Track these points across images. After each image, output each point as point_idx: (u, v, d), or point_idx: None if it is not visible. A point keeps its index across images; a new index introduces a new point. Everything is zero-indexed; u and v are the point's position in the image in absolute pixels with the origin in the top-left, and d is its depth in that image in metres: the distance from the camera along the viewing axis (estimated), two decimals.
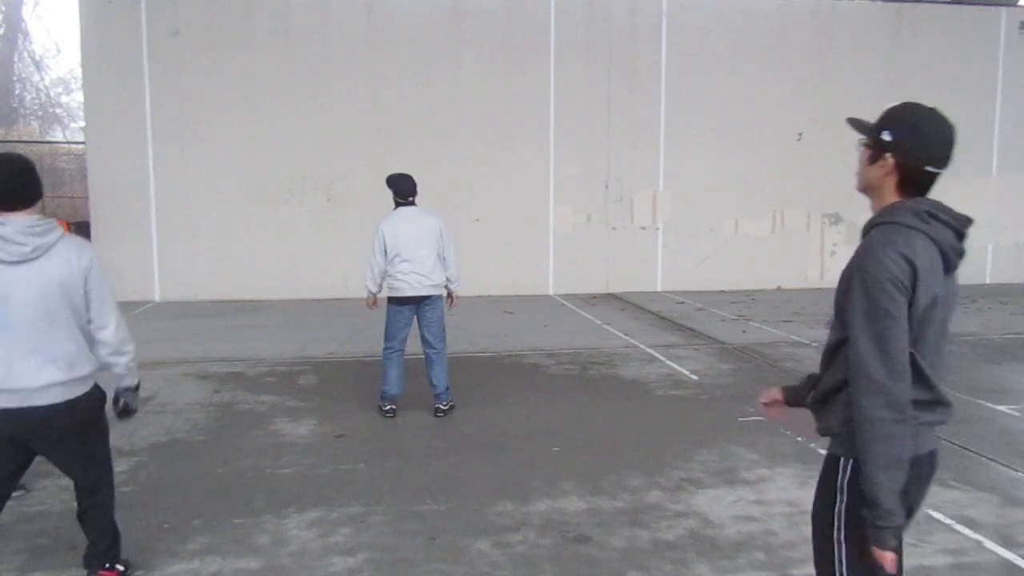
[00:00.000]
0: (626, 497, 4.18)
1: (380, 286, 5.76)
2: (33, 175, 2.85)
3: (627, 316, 10.62)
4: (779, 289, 13.47)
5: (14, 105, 29.98)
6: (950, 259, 1.86)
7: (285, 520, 3.87)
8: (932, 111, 1.89)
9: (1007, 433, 5.35)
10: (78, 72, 21.56)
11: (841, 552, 1.95)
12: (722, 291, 13.08)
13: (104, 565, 3.17)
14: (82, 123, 16.93)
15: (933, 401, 1.90)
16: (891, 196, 1.91)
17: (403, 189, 5.67)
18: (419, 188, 5.77)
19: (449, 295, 5.89)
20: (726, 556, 3.52)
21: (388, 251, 5.57)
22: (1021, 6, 14.51)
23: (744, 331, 9.29)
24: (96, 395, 2.99)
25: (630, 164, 13.29)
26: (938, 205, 1.87)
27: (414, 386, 6.02)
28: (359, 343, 8.48)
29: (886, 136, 1.88)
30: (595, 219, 13.29)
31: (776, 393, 2.29)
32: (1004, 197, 14.33)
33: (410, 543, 3.62)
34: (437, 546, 3.59)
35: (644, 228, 13.49)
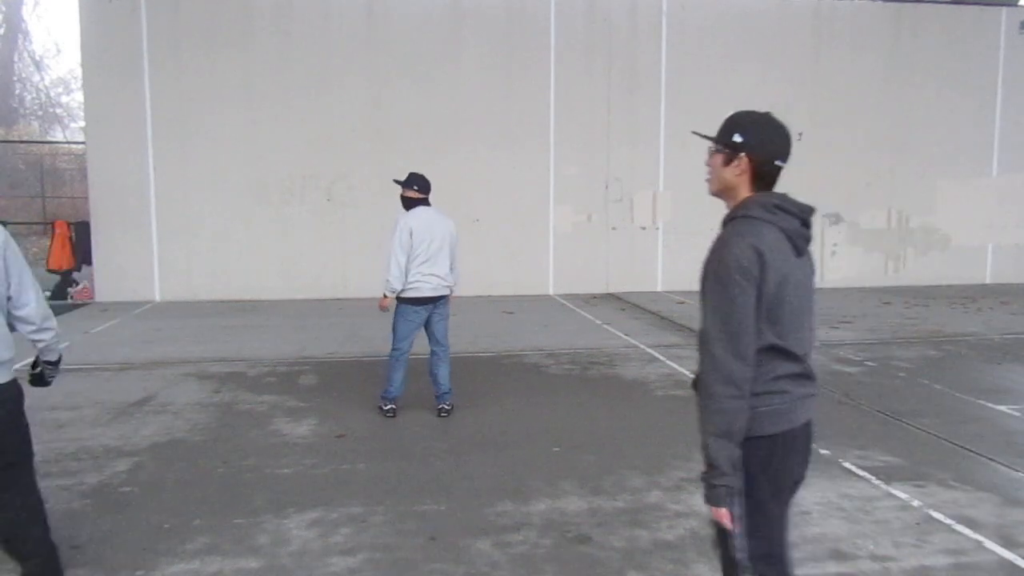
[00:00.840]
0: (626, 497, 4.18)
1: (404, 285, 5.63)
2: None
3: (627, 316, 10.62)
4: None
5: (14, 105, 29.98)
6: (798, 245, 2.05)
7: (285, 520, 3.86)
8: (767, 114, 2.11)
9: (1007, 433, 5.35)
10: (78, 72, 21.62)
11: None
12: None
13: None
14: (82, 123, 16.94)
15: (801, 374, 2.07)
16: (745, 192, 2.10)
17: (426, 187, 5.65)
18: None
19: None
20: None
21: (414, 250, 5.47)
22: (1021, 6, 14.50)
23: None
24: (16, 391, 2.74)
25: (630, 164, 13.30)
26: (784, 198, 2.09)
27: (414, 386, 6.02)
28: (359, 343, 8.49)
29: (738, 138, 2.08)
30: (595, 219, 13.30)
31: None
32: (1004, 197, 14.30)
33: (410, 543, 3.62)
34: (437, 546, 3.59)
35: (644, 228, 13.49)
